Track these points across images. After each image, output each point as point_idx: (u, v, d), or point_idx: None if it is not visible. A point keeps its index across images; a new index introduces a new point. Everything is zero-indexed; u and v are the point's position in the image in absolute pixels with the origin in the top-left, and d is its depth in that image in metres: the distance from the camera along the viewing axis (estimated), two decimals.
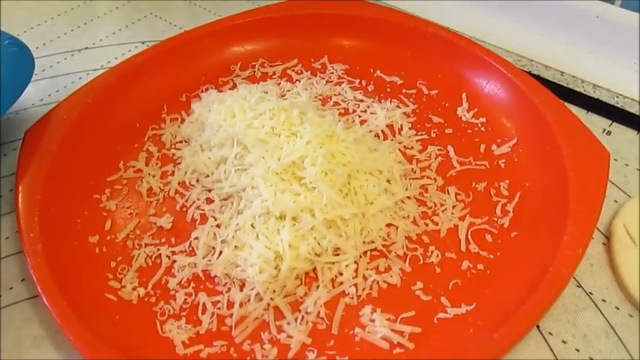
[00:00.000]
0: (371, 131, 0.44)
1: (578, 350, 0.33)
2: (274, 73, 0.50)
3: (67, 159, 0.41)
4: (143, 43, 0.56)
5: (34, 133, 0.41)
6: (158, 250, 0.37)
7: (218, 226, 0.38)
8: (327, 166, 0.36)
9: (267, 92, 0.46)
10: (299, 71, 0.50)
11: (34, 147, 0.40)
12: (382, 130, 0.44)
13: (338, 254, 0.36)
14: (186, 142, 0.44)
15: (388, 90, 0.48)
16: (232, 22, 0.51)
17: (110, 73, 0.46)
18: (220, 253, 0.36)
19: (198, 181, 0.41)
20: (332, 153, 0.37)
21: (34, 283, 0.33)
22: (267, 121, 0.39)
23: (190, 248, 0.37)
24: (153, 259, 0.37)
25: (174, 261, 0.37)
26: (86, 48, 0.56)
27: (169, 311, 0.34)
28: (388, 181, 0.39)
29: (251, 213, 0.36)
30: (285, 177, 0.37)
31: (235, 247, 0.36)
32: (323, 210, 0.35)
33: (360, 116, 0.45)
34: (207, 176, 0.40)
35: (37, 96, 0.50)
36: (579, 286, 0.36)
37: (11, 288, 0.37)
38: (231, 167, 0.39)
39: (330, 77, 0.49)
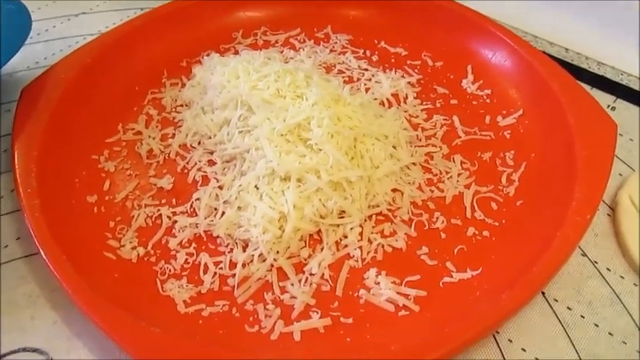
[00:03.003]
0: (376, 99, 0.43)
1: (583, 317, 0.33)
2: (277, 42, 0.49)
3: (65, 118, 0.39)
4: (142, 9, 0.55)
5: (31, 91, 0.40)
6: (158, 210, 0.36)
7: (220, 187, 0.37)
8: (333, 128, 0.36)
9: (270, 59, 0.45)
10: (302, 40, 0.49)
11: (31, 105, 0.39)
12: (387, 99, 0.43)
13: (343, 217, 0.35)
14: (187, 105, 0.43)
15: (393, 61, 0.48)
16: None
17: (110, 34, 0.45)
18: (223, 213, 0.35)
19: (199, 143, 0.40)
20: (338, 116, 0.37)
21: (32, 240, 0.32)
22: (272, 83, 0.38)
23: (192, 209, 0.36)
24: (153, 219, 0.36)
25: (175, 221, 0.36)
26: (83, 13, 0.55)
27: (170, 271, 0.33)
28: (394, 147, 0.39)
29: (255, 174, 0.35)
30: (291, 138, 0.36)
31: (238, 207, 0.35)
32: (329, 172, 0.35)
33: (364, 84, 0.45)
34: (210, 138, 0.39)
35: (32, 59, 0.49)
36: (584, 255, 0.36)
37: (6, 246, 0.36)
38: (235, 129, 0.38)
39: (333, 47, 0.49)
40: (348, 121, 0.37)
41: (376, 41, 0.49)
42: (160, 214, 0.36)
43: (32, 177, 0.35)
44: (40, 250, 0.32)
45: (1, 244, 0.36)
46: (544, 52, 0.47)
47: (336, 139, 0.36)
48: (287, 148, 0.36)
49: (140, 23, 0.46)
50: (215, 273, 0.33)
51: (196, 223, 0.35)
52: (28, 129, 0.37)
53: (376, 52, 0.48)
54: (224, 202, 0.35)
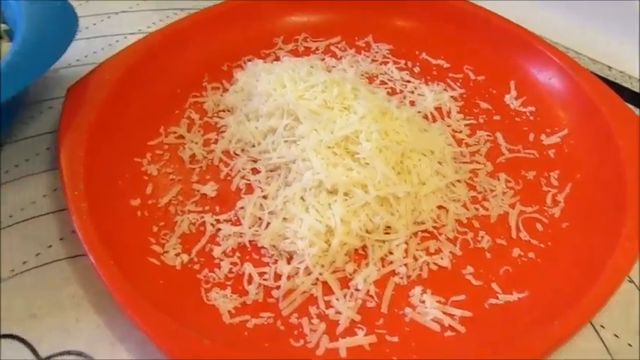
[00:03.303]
0: (419, 112, 0.43)
1: (630, 345, 0.33)
2: (317, 49, 0.49)
3: (109, 119, 0.39)
4: (182, 10, 0.55)
5: (76, 90, 0.40)
6: (202, 217, 0.36)
7: (264, 197, 0.37)
8: (381, 142, 0.35)
9: (312, 67, 0.45)
10: (342, 48, 0.49)
11: (76, 104, 0.39)
12: (431, 112, 0.43)
13: (388, 233, 0.35)
14: (229, 110, 0.43)
15: (434, 73, 0.47)
16: None
17: (153, 36, 0.45)
18: (267, 224, 0.35)
19: (243, 150, 0.40)
20: (386, 130, 0.36)
21: (76, 241, 0.32)
22: (319, 93, 0.38)
23: (235, 217, 0.36)
24: (196, 226, 0.36)
25: (219, 229, 0.36)
26: (123, 11, 0.55)
27: (214, 279, 0.33)
28: (439, 162, 0.38)
29: (301, 185, 0.35)
30: (337, 151, 0.36)
31: (284, 218, 0.35)
32: (376, 186, 0.34)
33: (407, 97, 0.44)
34: (253, 146, 0.39)
35: (73, 56, 0.49)
36: (631, 281, 0.35)
37: (50, 246, 0.36)
38: (281, 138, 0.38)
39: (374, 56, 0.48)
40: (396, 136, 0.37)
41: (417, 52, 0.49)
42: (204, 222, 0.36)
43: (79, 179, 0.35)
44: (88, 253, 0.32)
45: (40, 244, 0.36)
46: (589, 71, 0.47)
47: (385, 154, 0.35)
48: (334, 160, 0.35)
49: (183, 25, 0.46)
50: (259, 284, 0.33)
51: (240, 232, 0.35)
52: (74, 129, 0.37)
53: (417, 64, 0.48)
54: (269, 212, 0.35)
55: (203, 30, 0.47)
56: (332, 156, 0.36)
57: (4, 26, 0.44)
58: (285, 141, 0.37)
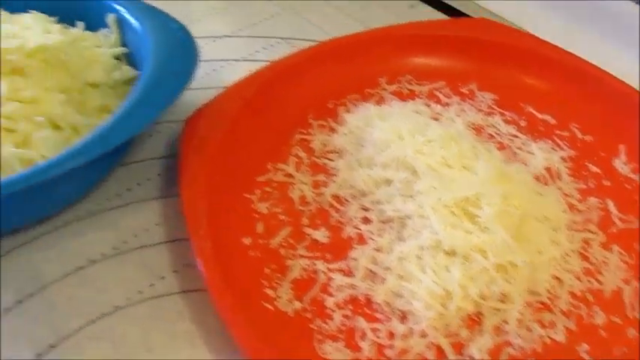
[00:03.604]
0: (529, 172, 0.42)
1: None
2: (421, 92, 0.49)
3: (225, 154, 0.40)
4: (283, 39, 0.56)
5: (194, 123, 0.41)
6: (314, 264, 0.36)
7: (377, 249, 0.37)
8: (502, 207, 0.35)
9: (418, 112, 0.45)
10: (447, 94, 0.49)
11: (195, 138, 0.40)
12: (542, 174, 0.42)
13: (502, 300, 0.35)
14: (337, 152, 0.43)
15: (541, 129, 0.47)
16: (385, 34, 0.51)
17: (265, 71, 0.46)
18: (382, 279, 0.35)
19: (353, 197, 0.40)
20: (505, 194, 0.36)
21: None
22: (438, 149, 0.38)
23: (347, 268, 0.36)
24: (308, 272, 0.36)
25: (331, 278, 0.36)
26: (226, 36, 0.56)
27: (326, 331, 0.34)
28: (554, 229, 0.38)
29: (418, 243, 0.35)
30: (456, 211, 0.36)
31: (399, 276, 0.35)
32: (495, 253, 0.34)
33: (517, 153, 0.44)
34: (364, 194, 0.39)
35: None
36: None
37: (163, 277, 0.37)
38: (396, 191, 0.38)
39: (480, 106, 0.48)
40: (515, 200, 0.36)
41: (522, 104, 0.48)
42: (316, 269, 0.36)
43: (203, 218, 0.35)
44: (211, 292, 0.32)
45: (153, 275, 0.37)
46: None
47: (505, 220, 0.35)
48: (452, 220, 0.35)
49: (294, 61, 0.47)
50: (373, 341, 0.33)
51: (353, 284, 0.35)
52: (195, 162, 0.38)
53: (523, 117, 0.47)
54: (384, 267, 0.35)
55: (311, 66, 0.47)
56: (450, 216, 0.35)
57: (123, 49, 0.45)
58: (401, 194, 0.37)
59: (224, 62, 0.52)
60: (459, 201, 0.36)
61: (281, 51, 0.54)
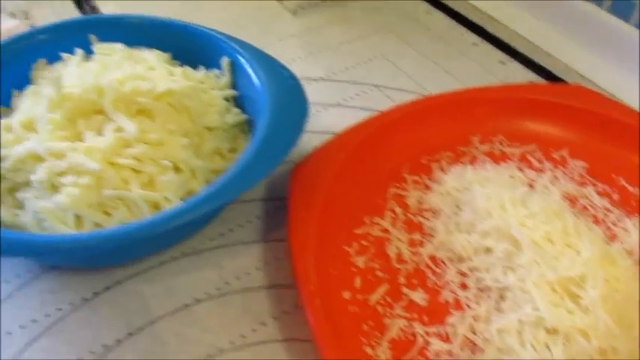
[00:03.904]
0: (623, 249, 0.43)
1: None
2: (512, 154, 0.50)
3: (328, 205, 0.41)
4: (376, 86, 0.57)
5: (301, 172, 0.42)
6: (412, 325, 0.37)
7: (474, 317, 0.37)
8: (605, 290, 0.35)
9: (513, 177, 0.46)
10: (539, 158, 0.49)
11: (302, 189, 0.41)
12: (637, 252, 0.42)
13: None
14: (433, 212, 0.44)
15: (633, 204, 0.47)
16: (483, 95, 0.51)
17: (366, 124, 0.47)
18: (481, 350, 0.36)
19: (451, 260, 0.41)
20: (608, 277, 0.36)
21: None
22: (541, 224, 0.39)
23: (445, 333, 0.37)
24: (406, 334, 0.37)
25: (429, 342, 0.37)
26: (321, 78, 0.57)
27: None
28: None
29: (518, 317, 0.36)
30: (558, 290, 0.36)
31: (499, 349, 0.35)
32: (598, 336, 0.34)
33: (611, 229, 0.44)
34: (463, 260, 0.40)
35: None
36: None
37: (264, 324, 0.38)
38: (496, 261, 0.38)
39: (572, 174, 0.48)
40: (618, 284, 0.36)
41: (614, 176, 0.49)
42: (414, 332, 0.37)
43: (311, 268, 0.36)
44: (319, 348, 0.33)
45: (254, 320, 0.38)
46: None
47: (608, 303, 0.35)
48: (554, 299, 0.36)
49: (393, 117, 0.48)
50: None
51: (451, 351, 0.36)
52: (303, 217, 0.39)
53: (616, 190, 0.48)
54: (483, 338, 0.36)
55: (409, 121, 0.49)
56: (552, 293, 0.36)
57: (234, 92, 0.47)
58: (501, 265, 0.38)
59: (320, 106, 0.54)
60: (563, 279, 0.36)
61: (374, 98, 0.55)
